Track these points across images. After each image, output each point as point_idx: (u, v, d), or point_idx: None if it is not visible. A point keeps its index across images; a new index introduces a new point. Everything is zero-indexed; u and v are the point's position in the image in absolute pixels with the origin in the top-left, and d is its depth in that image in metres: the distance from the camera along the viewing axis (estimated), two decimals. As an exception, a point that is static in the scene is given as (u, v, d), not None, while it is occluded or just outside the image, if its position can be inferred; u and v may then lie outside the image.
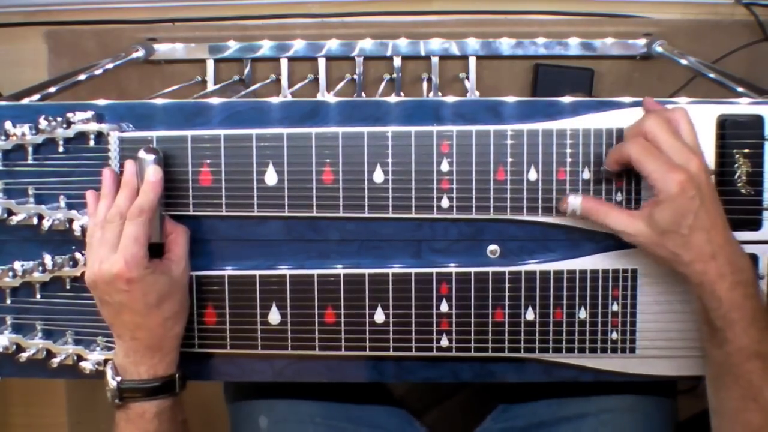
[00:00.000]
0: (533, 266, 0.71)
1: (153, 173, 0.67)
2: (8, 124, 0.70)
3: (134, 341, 0.68)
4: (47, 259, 0.71)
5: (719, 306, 0.62)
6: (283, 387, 0.70)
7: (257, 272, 0.72)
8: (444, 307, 0.72)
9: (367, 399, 0.86)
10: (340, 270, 0.72)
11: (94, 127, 0.70)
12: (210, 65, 1.21)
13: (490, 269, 0.71)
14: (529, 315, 0.71)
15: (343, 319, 0.72)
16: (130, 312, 0.66)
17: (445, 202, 0.70)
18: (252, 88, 1.19)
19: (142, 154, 0.67)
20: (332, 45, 1.19)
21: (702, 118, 0.69)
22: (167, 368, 0.69)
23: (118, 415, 0.69)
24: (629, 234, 0.64)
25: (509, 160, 0.70)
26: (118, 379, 0.68)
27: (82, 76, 0.98)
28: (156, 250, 0.68)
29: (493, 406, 0.88)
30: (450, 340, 0.72)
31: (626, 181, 0.69)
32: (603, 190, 0.69)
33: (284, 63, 1.20)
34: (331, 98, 0.72)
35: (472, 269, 0.71)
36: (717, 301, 0.62)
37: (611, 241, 0.70)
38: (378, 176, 0.70)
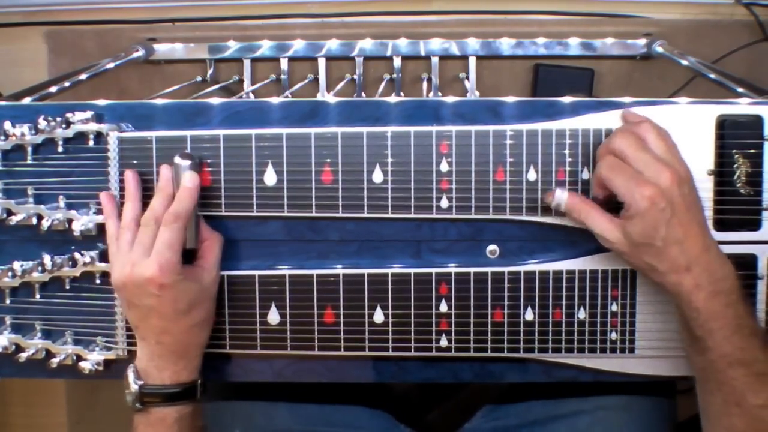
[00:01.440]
0: (532, 266, 0.71)
1: (190, 179, 0.67)
2: (8, 124, 0.70)
3: (159, 346, 0.67)
4: (46, 259, 0.71)
5: (698, 316, 0.62)
6: (259, 388, 0.70)
7: (256, 272, 0.72)
8: (443, 308, 0.72)
9: (346, 400, 0.86)
10: (339, 270, 0.72)
11: (93, 127, 0.70)
12: (210, 65, 1.21)
13: (490, 269, 0.71)
14: (529, 315, 0.71)
15: (342, 320, 0.72)
16: (158, 316, 0.66)
17: (444, 203, 0.70)
18: (252, 88, 1.19)
19: (177, 159, 0.67)
20: (332, 45, 1.19)
21: (702, 118, 0.69)
22: (190, 375, 0.69)
23: (137, 419, 0.69)
24: (606, 240, 0.64)
25: (509, 160, 0.70)
26: (140, 383, 0.68)
27: (82, 76, 0.98)
28: (188, 256, 0.68)
29: (480, 406, 0.88)
30: (449, 341, 0.72)
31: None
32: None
33: (284, 63, 1.20)
34: (330, 98, 0.72)
35: (472, 269, 0.71)
36: (695, 311, 0.62)
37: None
38: (377, 176, 0.70)
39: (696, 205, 0.63)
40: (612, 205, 0.66)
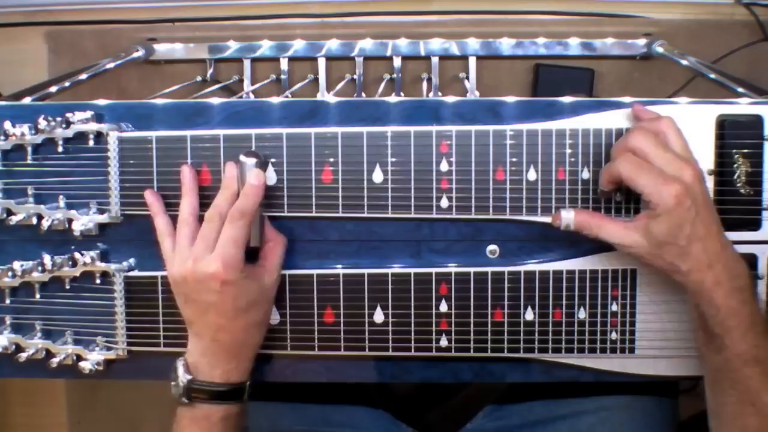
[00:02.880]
0: (532, 266, 0.71)
1: (255, 177, 0.66)
2: (8, 124, 0.70)
3: (214, 343, 0.67)
4: (47, 259, 0.71)
5: (717, 313, 0.62)
6: (259, 388, 0.70)
7: (256, 272, 0.72)
8: (443, 307, 0.72)
9: (348, 401, 0.86)
10: (339, 270, 0.72)
11: (93, 127, 0.70)
12: (210, 65, 1.21)
13: (490, 269, 0.71)
14: (529, 315, 0.71)
15: (342, 319, 0.72)
16: (216, 313, 0.66)
17: (444, 202, 0.70)
18: (252, 88, 1.19)
19: (243, 157, 0.67)
20: (332, 45, 1.19)
21: (702, 118, 0.69)
22: (241, 376, 0.69)
23: (182, 412, 0.68)
24: (625, 246, 0.64)
25: (509, 160, 0.69)
26: (190, 377, 0.67)
27: (82, 76, 0.98)
28: (250, 255, 0.68)
29: (484, 406, 0.88)
30: (449, 340, 0.72)
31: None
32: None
33: (284, 63, 1.20)
34: (330, 98, 0.72)
35: (472, 269, 0.71)
36: (714, 308, 0.62)
37: (611, 241, 0.70)
38: (377, 176, 0.70)
39: (712, 203, 0.63)
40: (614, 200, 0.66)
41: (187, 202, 0.68)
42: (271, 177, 0.70)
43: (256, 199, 0.66)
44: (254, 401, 0.79)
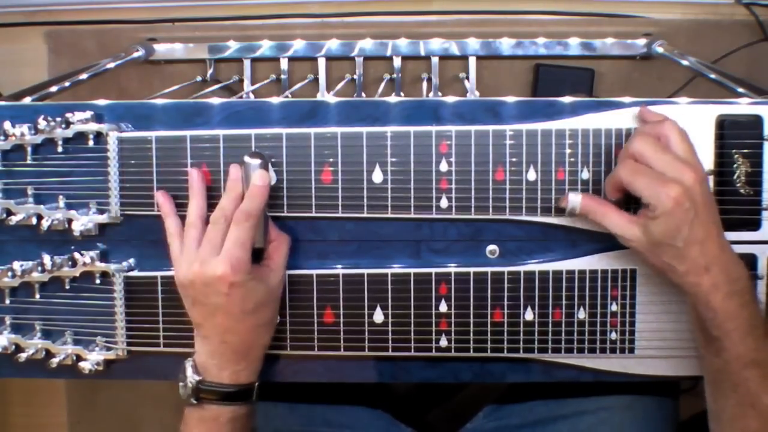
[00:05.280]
0: (532, 266, 0.71)
1: (260, 178, 0.66)
2: (7, 124, 0.70)
3: (223, 345, 0.67)
4: (46, 259, 0.71)
5: (714, 316, 0.62)
6: (259, 388, 0.70)
7: (256, 272, 0.72)
8: (443, 308, 0.72)
9: (348, 401, 0.86)
10: (339, 270, 0.72)
11: (93, 127, 0.70)
12: (210, 65, 1.21)
13: (489, 269, 0.71)
14: (528, 315, 0.71)
15: (342, 320, 0.72)
16: (224, 315, 0.66)
17: (444, 202, 0.70)
18: (252, 88, 1.19)
19: (247, 158, 0.66)
20: (332, 45, 1.19)
21: (701, 118, 0.69)
22: (249, 376, 0.69)
23: (189, 413, 0.68)
24: (625, 238, 0.64)
25: (508, 160, 0.69)
26: (198, 378, 0.67)
27: (82, 76, 0.98)
28: (254, 255, 0.68)
29: (483, 406, 0.88)
30: (449, 341, 0.72)
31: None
32: (602, 190, 0.69)
33: (284, 63, 1.20)
34: (330, 98, 0.72)
35: (471, 269, 0.71)
36: (712, 311, 0.62)
37: (610, 242, 0.70)
38: (377, 176, 0.70)
39: (713, 206, 0.63)
40: (624, 206, 0.66)
41: (195, 205, 0.67)
42: (272, 177, 0.70)
43: (262, 200, 0.66)
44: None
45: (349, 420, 0.86)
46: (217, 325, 0.66)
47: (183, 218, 0.70)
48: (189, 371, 0.67)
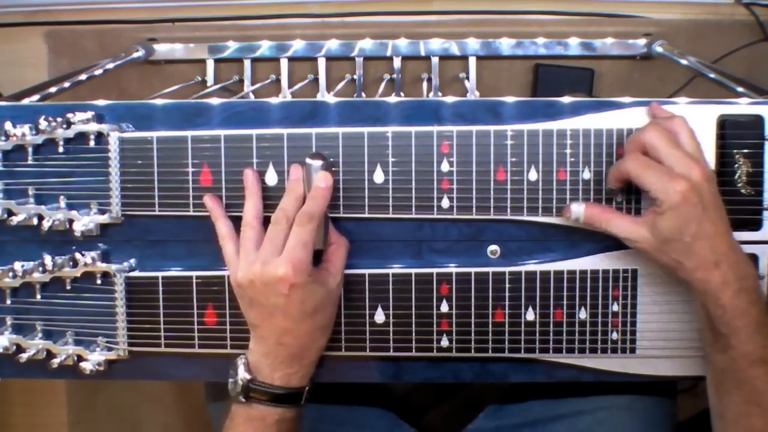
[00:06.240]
0: (533, 266, 0.71)
1: (323, 179, 0.65)
2: (8, 125, 0.70)
3: (279, 347, 0.66)
4: (47, 259, 0.71)
5: (723, 313, 0.62)
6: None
7: (257, 272, 0.72)
8: (444, 308, 0.72)
9: (351, 400, 0.86)
10: (340, 270, 0.72)
11: (94, 127, 0.70)
12: (210, 65, 1.21)
13: (491, 269, 0.71)
14: (530, 315, 0.71)
15: (343, 319, 0.72)
16: (283, 316, 0.65)
17: (445, 203, 0.70)
18: (252, 88, 1.19)
19: (309, 159, 0.66)
20: (332, 45, 1.19)
21: (702, 119, 0.69)
22: (301, 380, 0.68)
23: (236, 409, 0.68)
24: (632, 240, 0.64)
25: (509, 160, 0.70)
26: (250, 376, 0.67)
27: (82, 76, 0.98)
28: (314, 257, 0.67)
29: (484, 406, 0.88)
30: (450, 341, 0.72)
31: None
32: (603, 190, 0.69)
33: (284, 63, 1.20)
34: (331, 98, 0.72)
35: (473, 269, 0.71)
36: (721, 308, 0.62)
37: (611, 242, 0.70)
38: (378, 176, 0.70)
39: (721, 204, 0.63)
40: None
41: (252, 205, 0.67)
42: (272, 178, 0.70)
43: (325, 201, 0.65)
44: None
45: (356, 419, 0.86)
46: (275, 327, 0.66)
47: (186, 219, 0.70)
48: (241, 369, 0.67)
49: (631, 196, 0.69)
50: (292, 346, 0.66)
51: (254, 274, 0.64)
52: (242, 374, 0.67)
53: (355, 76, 1.20)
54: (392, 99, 0.71)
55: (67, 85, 0.93)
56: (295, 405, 0.68)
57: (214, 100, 0.72)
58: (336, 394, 0.84)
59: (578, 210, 0.67)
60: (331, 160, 0.69)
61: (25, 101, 0.82)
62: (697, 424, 0.70)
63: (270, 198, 0.70)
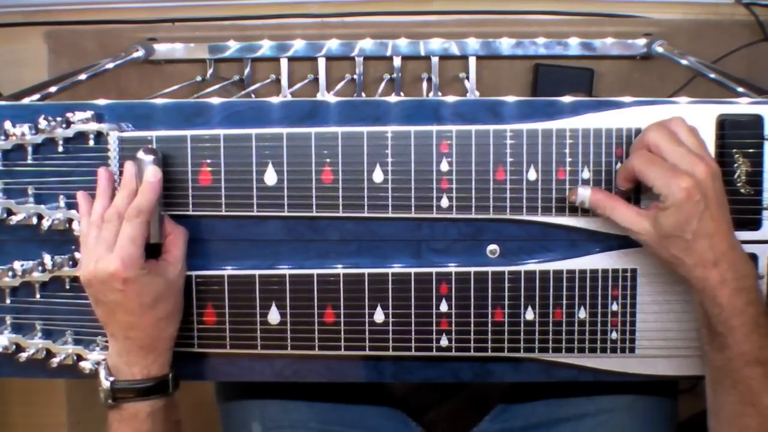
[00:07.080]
0: (533, 266, 0.71)
1: (152, 174, 0.67)
2: (8, 124, 0.70)
3: (127, 341, 0.68)
4: (47, 258, 0.71)
5: (720, 312, 0.62)
6: (275, 387, 0.70)
7: (257, 272, 0.72)
8: (444, 307, 0.72)
9: (361, 399, 0.86)
10: (339, 270, 0.72)
11: (93, 126, 0.70)
12: (210, 65, 1.21)
13: (490, 269, 0.71)
14: (529, 315, 0.71)
15: (342, 319, 0.72)
16: (124, 311, 0.66)
17: (444, 202, 0.70)
18: (252, 88, 1.19)
19: (140, 154, 0.67)
20: (332, 45, 1.19)
21: (702, 118, 0.69)
22: (160, 369, 0.69)
23: (111, 415, 0.69)
24: (634, 231, 0.65)
25: (509, 159, 0.70)
26: (111, 379, 0.68)
27: (82, 76, 0.98)
28: (154, 251, 0.68)
29: (492, 406, 0.88)
30: (450, 340, 0.72)
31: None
32: (604, 189, 0.69)
33: (284, 63, 1.20)
34: (330, 98, 0.72)
35: (472, 269, 0.71)
36: (718, 307, 0.62)
37: (611, 241, 0.70)
38: (377, 176, 0.70)
39: (725, 202, 0.63)
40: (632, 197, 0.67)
41: (99, 204, 0.68)
42: (271, 177, 0.70)
43: (153, 195, 0.66)
44: (273, 399, 0.80)
45: (364, 419, 0.86)
46: (119, 322, 0.67)
47: (185, 218, 0.70)
48: (102, 374, 0.68)
49: (631, 196, 0.69)
50: (140, 338, 0.67)
51: (90, 272, 0.66)
52: (104, 379, 0.68)
53: (355, 76, 1.20)
54: (392, 98, 0.71)
55: (67, 85, 0.93)
56: (163, 395, 0.69)
57: (214, 100, 0.72)
58: (345, 394, 0.84)
59: (584, 194, 0.67)
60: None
61: (25, 101, 0.82)
62: (696, 424, 0.70)
63: (270, 198, 0.70)
